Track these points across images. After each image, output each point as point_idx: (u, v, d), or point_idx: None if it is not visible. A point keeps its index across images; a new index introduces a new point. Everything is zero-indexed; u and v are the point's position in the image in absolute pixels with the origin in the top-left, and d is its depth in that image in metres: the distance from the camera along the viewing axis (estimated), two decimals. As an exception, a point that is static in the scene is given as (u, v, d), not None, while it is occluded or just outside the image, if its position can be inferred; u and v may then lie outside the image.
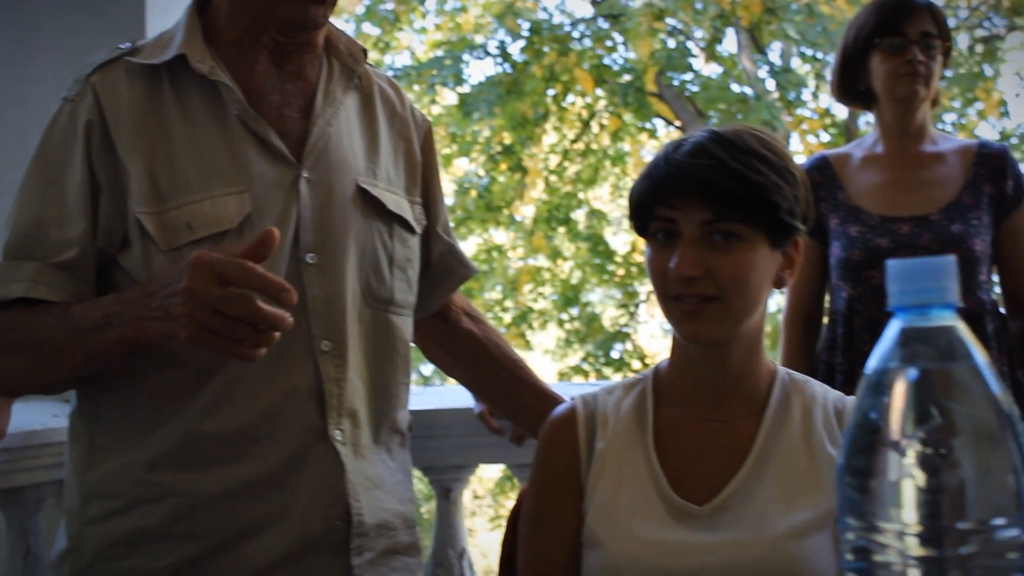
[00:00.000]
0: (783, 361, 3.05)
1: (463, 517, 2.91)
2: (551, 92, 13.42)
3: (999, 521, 0.70)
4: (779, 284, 1.74)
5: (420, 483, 5.17)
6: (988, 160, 2.97)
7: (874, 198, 2.98)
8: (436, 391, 3.46)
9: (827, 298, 3.08)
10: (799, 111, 12.80)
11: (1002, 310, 2.98)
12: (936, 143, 3.04)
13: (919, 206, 2.93)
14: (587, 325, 14.31)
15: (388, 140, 2.04)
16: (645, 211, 1.72)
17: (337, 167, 1.90)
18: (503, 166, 13.76)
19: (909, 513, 0.70)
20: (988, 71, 13.16)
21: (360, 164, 1.95)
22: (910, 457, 0.71)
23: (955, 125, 13.91)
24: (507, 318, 14.06)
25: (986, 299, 2.89)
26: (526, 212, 14.16)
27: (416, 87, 13.57)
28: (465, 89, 13.38)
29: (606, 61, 13.25)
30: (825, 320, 3.07)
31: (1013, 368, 2.89)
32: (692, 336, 1.70)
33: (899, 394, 0.72)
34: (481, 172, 14.03)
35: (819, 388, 1.81)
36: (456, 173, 14.28)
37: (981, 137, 3.26)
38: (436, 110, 14.16)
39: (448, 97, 14.14)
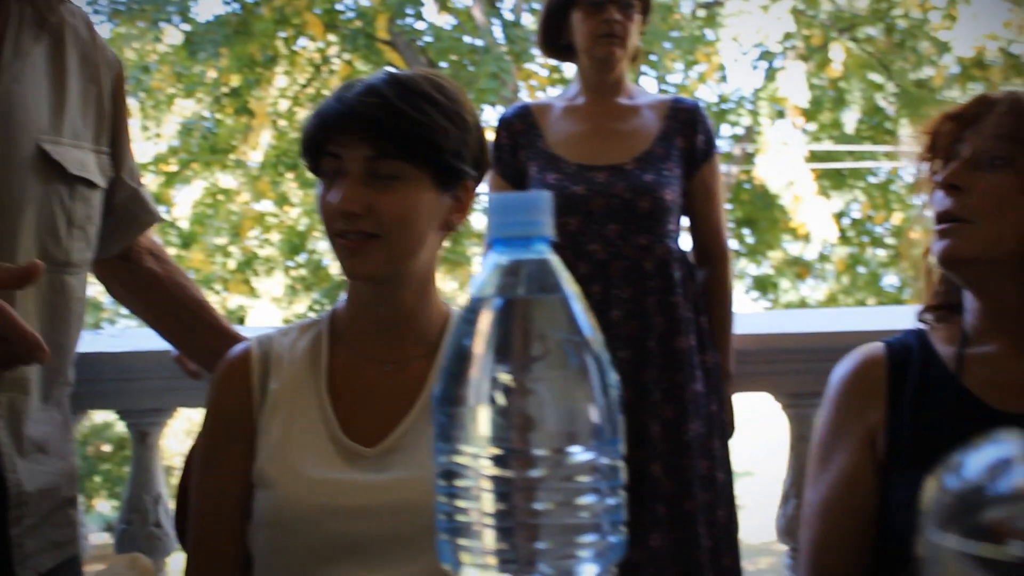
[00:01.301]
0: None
1: (160, 462, 2.84)
2: (282, 35, 13.19)
3: (575, 448, 0.72)
4: (448, 227, 1.75)
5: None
6: (681, 115, 3.08)
7: (572, 147, 3.05)
8: (135, 333, 3.36)
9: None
10: (528, 65, 13.00)
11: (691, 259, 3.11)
12: (633, 97, 3.14)
13: (614, 156, 3.02)
14: (314, 273, 14.21)
15: (77, 88, 1.94)
16: (315, 148, 1.71)
17: (17, 127, 1.79)
18: (229, 109, 13.45)
19: (486, 437, 0.71)
20: (710, 36, 13.67)
21: (44, 121, 1.84)
22: (491, 383, 0.72)
23: (677, 87, 14.42)
24: (232, 264, 13.81)
25: (674, 247, 3.00)
26: (254, 156, 13.91)
27: (140, 23, 13.10)
28: (191, 28, 12.99)
29: (338, 6, 13.11)
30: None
31: (698, 315, 3.02)
32: (352, 272, 1.70)
33: (486, 322, 0.73)
34: (206, 114, 13.67)
35: None
36: (181, 114, 13.88)
37: (677, 95, 3.36)
38: (161, 48, 13.70)
39: (174, 35, 13.70)
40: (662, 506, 2.90)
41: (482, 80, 12.35)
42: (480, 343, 0.73)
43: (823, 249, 15.39)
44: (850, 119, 14.17)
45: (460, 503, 0.73)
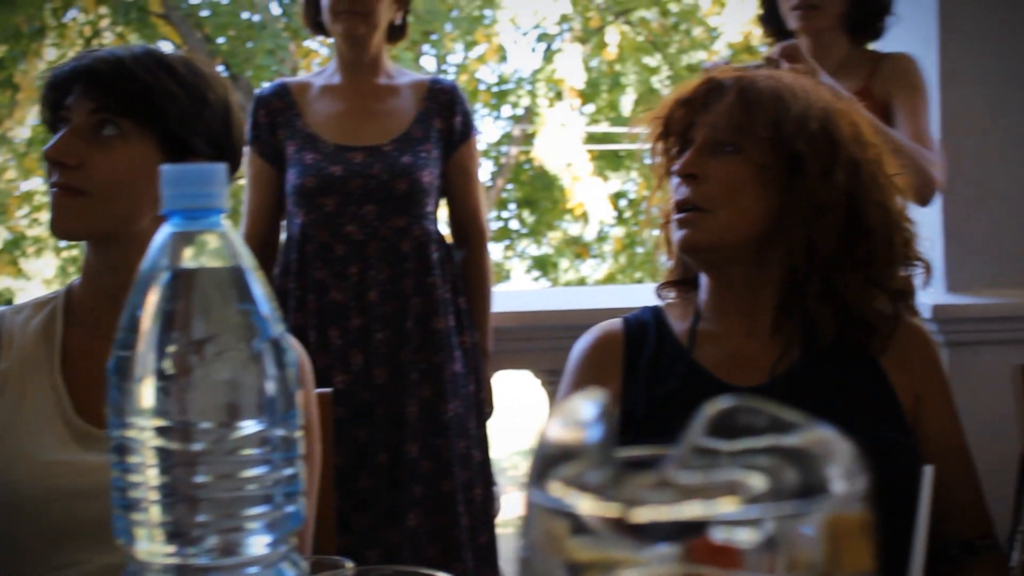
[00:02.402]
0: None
1: None
2: (50, 5, 12.68)
3: (244, 422, 0.73)
4: None
5: None
6: (439, 96, 3.11)
7: (330, 127, 3.04)
8: None
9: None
10: (308, 43, 12.85)
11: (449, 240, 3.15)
12: (392, 77, 3.15)
13: (372, 137, 3.02)
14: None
15: None
16: (50, 104, 1.68)
17: None
18: (-7, 81, 12.87)
19: (150, 410, 0.71)
20: (490, 17, 13.78)
21: None
22: (156, 356, 0.72)
23: (458, 67, 14.49)
24: (-2, 243, 13.26)
25: (432, 229, 3.04)
26: (20, 133, 13.36)
27: None
28: (-51, -4, 12.37)
29: (109, -23, 12.69)
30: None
31: (456, 295, 3.06)
32: (53, 228, 1.66)
33: (155, 294, 0.73)
34: (-34, 86, 13.06)
35: None
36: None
37: (435, 74, 3.39)
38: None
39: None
40: (420, 486, 2.94)
41: (259, 56, 12.15)
42: (148, 316, 0.73)
43: (601, 229, 15.70)
44: (627, 101, 14.50)
45: (131, 478, 0.73)
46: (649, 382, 1.75)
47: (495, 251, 15.42)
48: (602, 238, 15.96)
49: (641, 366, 1.77)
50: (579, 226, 15.70)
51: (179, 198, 0.76)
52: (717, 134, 1.70)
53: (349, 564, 1.05)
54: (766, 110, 1.69)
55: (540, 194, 15.00)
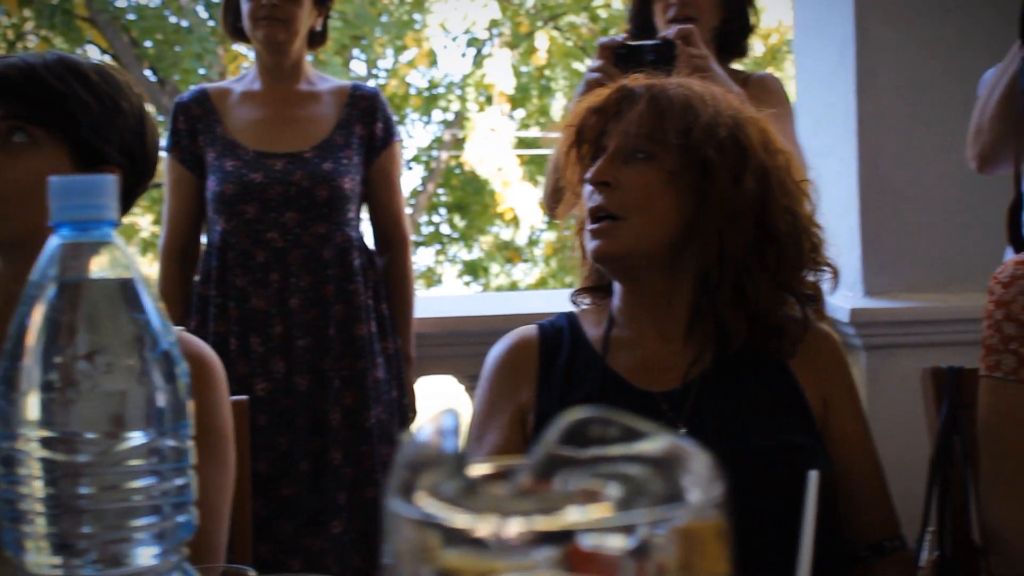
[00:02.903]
0: (159, 292, 3.04)
1: None
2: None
3: (130, 433, 0.73)
4: None
5: None
6: (360, 102, 3.11)
7: (250, 133, 3.03)
8: None
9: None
10: (236, 47, 12.77)
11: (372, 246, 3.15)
12: (313, 83, 3.14)
13: (293, 143, 3.02)
14: None
15: None
16: None
17: None
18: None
19: (36, 421, 0.71)
20: (419, 21, 13.78)
21: None
22: (42, 367, 0.72)
23: (388, 72, 14.47)
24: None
25: (354, 235, 3.03)
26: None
27: None
28: None
29: (33, -21, 12.53)
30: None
31: (378, 301, 3.06)
32: None
33: (44, 306, 0.73)
34: None
35: None
36: None
37: (356, 81, 3.39)
38: None
39: None
40: (343, 493, 2.94)
41: (187, 60, 12.06)
42: (35, 327, 0.73)
43: (532, 234, 15.74)
44: (557, 106, 14.55)
45: (18, 489, 0.73)
46: (563, 388, 1.77)
47: (426, 256, 15.42)
48: (533, 242, 16.01)
49: (555, 373, 1.79)
50: (510, 231, 15.74)
51: (67, 209, 0.76)
52: (629, 142, 1.72)
53: (252, 573, 1.05)
54: (676, 118, 1.71)
55: (471, 199, 15.02)
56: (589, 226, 1.74)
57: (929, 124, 3.44)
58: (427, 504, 0.46)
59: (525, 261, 16.28)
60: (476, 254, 15.93)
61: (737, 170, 1.70)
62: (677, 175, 1.71)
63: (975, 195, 3.17)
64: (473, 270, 15.65)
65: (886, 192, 3.45)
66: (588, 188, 1.75)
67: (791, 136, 2.92)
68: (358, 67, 14.27)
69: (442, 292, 15.32)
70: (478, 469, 0.49)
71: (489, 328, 3.05)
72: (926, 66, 3.45)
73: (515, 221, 14.85)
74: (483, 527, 0.45)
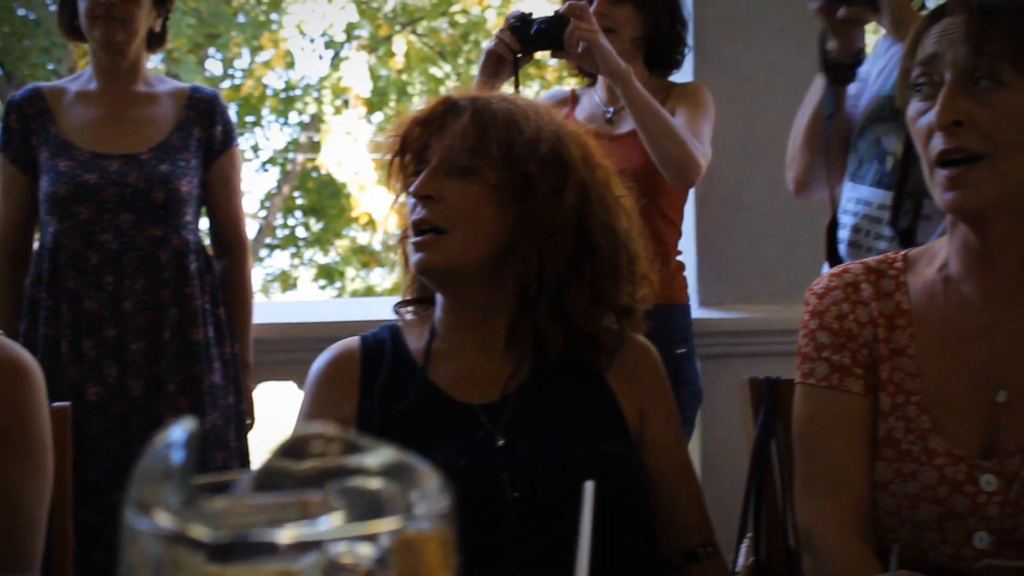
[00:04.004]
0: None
1: None
2: None
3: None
4: None
5: None
6: (199, 104, 3.08)
7: (85, 134, 2.98)
8: None
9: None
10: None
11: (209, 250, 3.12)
12: (151, 84, 3.10)
13: (129, 144, 2.98)
14: None
15: None
16: None
17: None
18: None
19: None
20: (275, 22, 13.64)
21: None
22: None
23: (245, 72, 14.29)
24: None
25: (192, 239, 3.01)
26: None
27: None
28: None
29: None
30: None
31: (216, 306, 3.03)
32: None
33: None
34: None
35: None
36: None
37: (195, 83, 3.36)
38: None
39: None
40: (177, 498, 2.90)
41: (35, 54, 11.74)
42: None
43: (388, 238, 15.69)
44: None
45: None
46: (384, 401, 1.78)
47: (281, 259, 15.27)
48: (390, 247, 15.96)
49: (377, 385, 1.80)
50: (366, 235, 15.67)
51: None
52: (453, 155, 1.74)
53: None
54: (500, 132, 1.74)
55: (327, 202, 14.91)
56: (412, 238, 1.76)
57: (763, 138, 3.55)
58: (159, 517, 0.48)
59: (381, 266, 16.22)
60: (332, 258, 15.82)
61: (558, 185, 1.74)
62: (499, 189, 1.74)
63: (806, 209, 3.27)
64: (329, 274, 15.54)
65: (721, 205, 3.55)
66: (411, 200, 1.77)
67: (699, 123, 3.04)
68: (213, 66, 14.08)
69: (297, 296, 15.19)
70: (203, 481, 0.50)
71: (329, 335, 3.01)
72: (761, 81, 3.56)
73: (371, 225, 14.79)
74: (209, 536, 0.47)
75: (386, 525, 0.49)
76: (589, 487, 0.85)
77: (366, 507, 0.49)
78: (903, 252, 1.73)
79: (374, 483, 0.50)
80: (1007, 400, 1.58)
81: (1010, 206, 1.54)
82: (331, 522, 0.49)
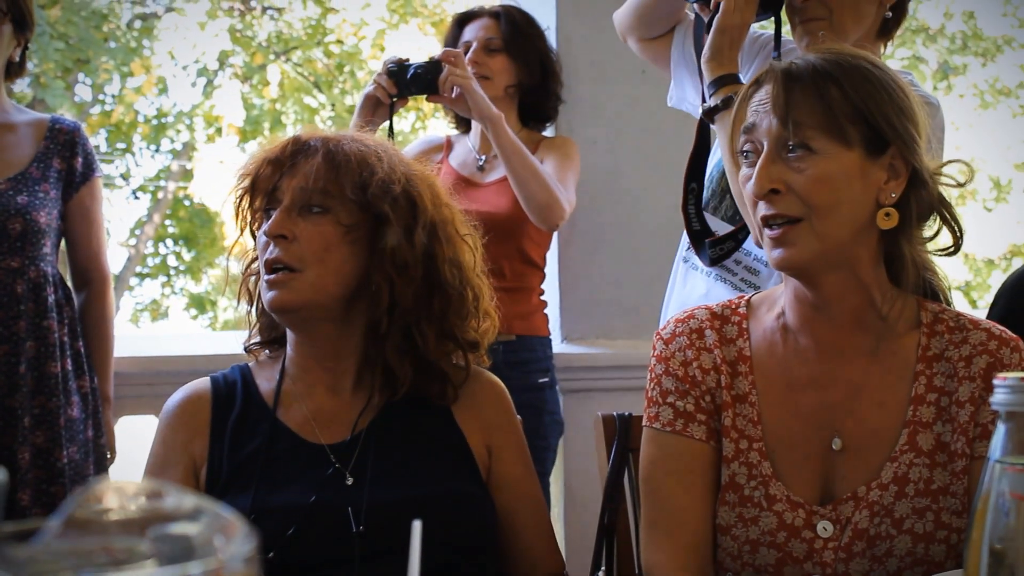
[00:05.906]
0: None
1: None
2: None
3: None
4: None
5: None
6: (59, 136, 3.04)
7: None
8: None
9: None
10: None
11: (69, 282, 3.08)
12: (9, 113, 3.05)
13: (-14, 175, 2.93)
14: None
15: None
16: None
17: None
18: None
19: None
20: (148, 47, 13.47)
21: None
22: None
23: (115, 98, 14.06)
24: None
25: (50, 271, 2.96)
26: None
27: None
28: None
29: None
30: None
31: (75, 339, 2.99)
32: None
33: None
34: None
35: None
36: None
37: (55, 114, 3.32)
38: None
39: None
40: (31, 534, 2.85)
41: None
42: None
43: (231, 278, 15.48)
44: (289, 141, 14.40)
45: None
46: (233, 443, 1.79)
47: (152, 288, 15.02)
48: (232, 282, 15.75)
49: (228, 427, 1.81)
50: (240, 265, 15.48)
51: None
52: (305, 195, 1.76)
53: None
54: (353, 173, 1.77)
55: (199, 231, 14.73)
56: (265, 277, 1.77)
57: (625, 179, 3.63)
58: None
59: (254, 295, 16.01)
60: (204, 287, 15.62)
61: (410, 224, 1.77)
62: (352, 228, 1.77)
63: (664, 247, 3.35)
64: (200, 304, 15.33)
65: (584, 242, 3.62)
66: (263, 239, 1.79)
67: (565, 172, 3.22)
68: (83, 91, 13.84)
69: (168, 326, 14.95)
70: (8, 529, 0.52)
71: (191, 368, 3.03)
72: (625, 123, 3.65)
73: (245, 255, 14.63)
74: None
75: (194, 568, 0.51)
76: (416, 526, 0.88)
77: (175, 553, 0.52)
78: (747, 297, 1.80)
79: (182, 528, 0.52)
80: (841, 447, 1.65)
81: (832, 261, 1.62)
82: (139, 568, 0.51)
